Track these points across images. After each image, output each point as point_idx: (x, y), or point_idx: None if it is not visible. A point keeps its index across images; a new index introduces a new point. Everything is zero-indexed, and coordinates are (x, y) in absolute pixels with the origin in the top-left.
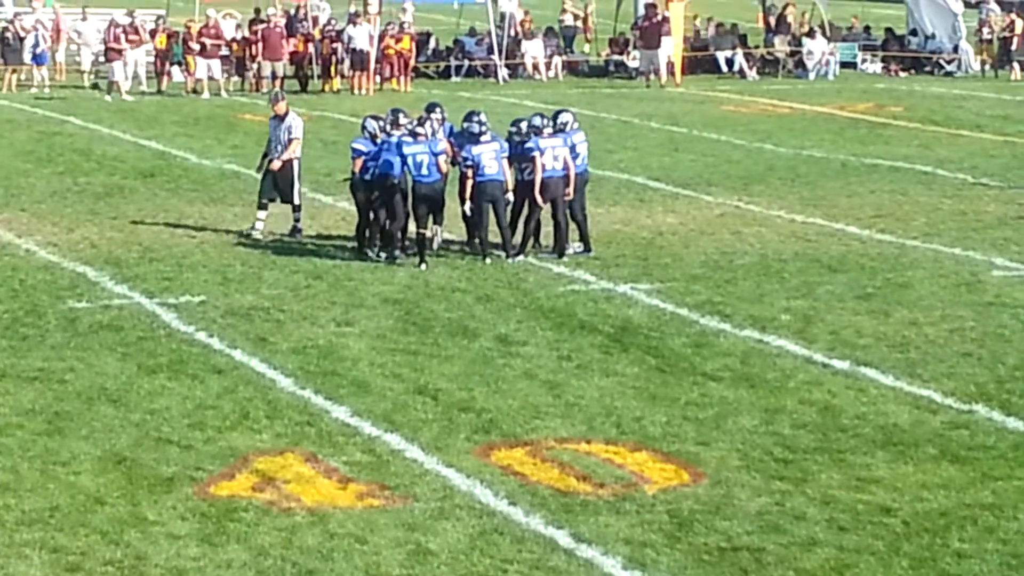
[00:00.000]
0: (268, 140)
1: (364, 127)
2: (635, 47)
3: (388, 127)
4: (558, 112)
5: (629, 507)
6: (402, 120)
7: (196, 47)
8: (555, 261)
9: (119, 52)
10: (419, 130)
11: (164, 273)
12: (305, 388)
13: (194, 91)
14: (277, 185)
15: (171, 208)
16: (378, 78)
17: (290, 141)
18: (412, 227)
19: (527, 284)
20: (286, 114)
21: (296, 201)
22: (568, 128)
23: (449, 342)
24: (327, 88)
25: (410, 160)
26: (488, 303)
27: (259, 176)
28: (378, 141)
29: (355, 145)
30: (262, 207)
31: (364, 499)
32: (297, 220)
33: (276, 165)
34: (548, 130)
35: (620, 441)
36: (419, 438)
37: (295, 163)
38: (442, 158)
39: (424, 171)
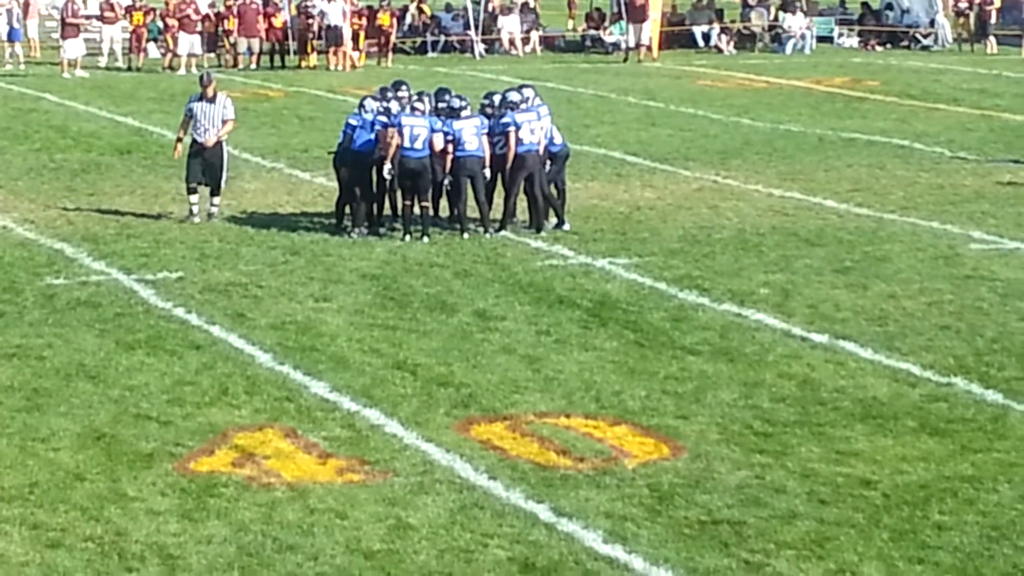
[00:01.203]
0: (186, 122)
1: (362, 105)
2: (623, 20)
3: (390, 98)
4: (520, 87)
5: (609, 481)
6: (401, 93)
7: (175, 24)
8: (533, 236)
9: (76, 28)
10: (418, 105)
11: (141, 249)
12: (284, 364)
13: (170, 67)
14: (206, 170)
15: (148, 184)
16: (356, 54)
17: (225, 122)
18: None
19: (505, 259)
20: (215, 95)
21: (223, 186)
22: (530, 103)
23: (428, 317)
24: (303, 64)
25: (407, 131)
26: (466, 278)
27: (177, 159)
28: (369, 119)
29: (349, 120)
30: (192, 191)
31: (344, 474)
32: (216, 206)
33: (211, 141)
34: (524, 104)
35: (600, 415)
36: (398, 413)
37: (225, 147)
38: (437, 136)
39: (417, 144)
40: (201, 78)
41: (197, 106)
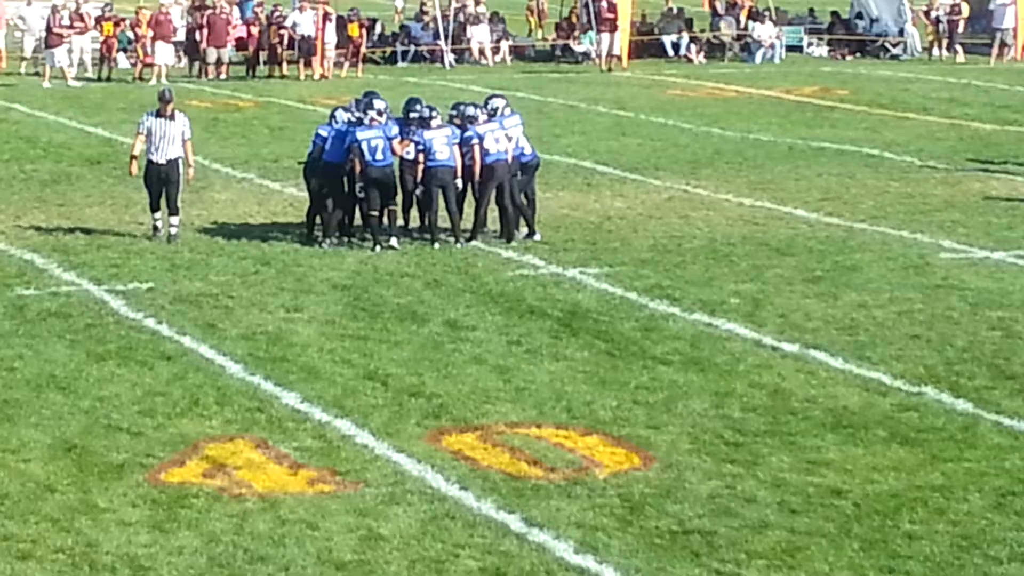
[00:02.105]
0: (142, 140)
1: (333, 115)
2: (593, 31)
3: (364, 109)
4: (489, 98)
5: (580, 491)
6: (378, 104)
7: (146, 34)
8: (504, 246)
9: (61, 37)
10: (370, 113)
11: (112, 260)
12: (255, 374)
13: (140, 77)
14: (162, 189)
15: (118, 195)
16: (327, 64)
17: (185, 143)
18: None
19: (476, 269)
20: (173, 113)
21: (179, 206)
22: (499, 113)
23: (398, 327)
24: (273, 74)
25: (364, 145)
26: (437, 288)
27: (134, 176)
28: (332, 130)
29: (320, 131)
30: (156, 208)
31: (315, 485)
32: (175, 226)
33: (191, 174)
34: (483, 117)
35: (571, 425)
36: (369, 423)
37: (181, 166)
38: (395, 142)
39: (378, 155)
40: (164, 94)
41: (155, 123)
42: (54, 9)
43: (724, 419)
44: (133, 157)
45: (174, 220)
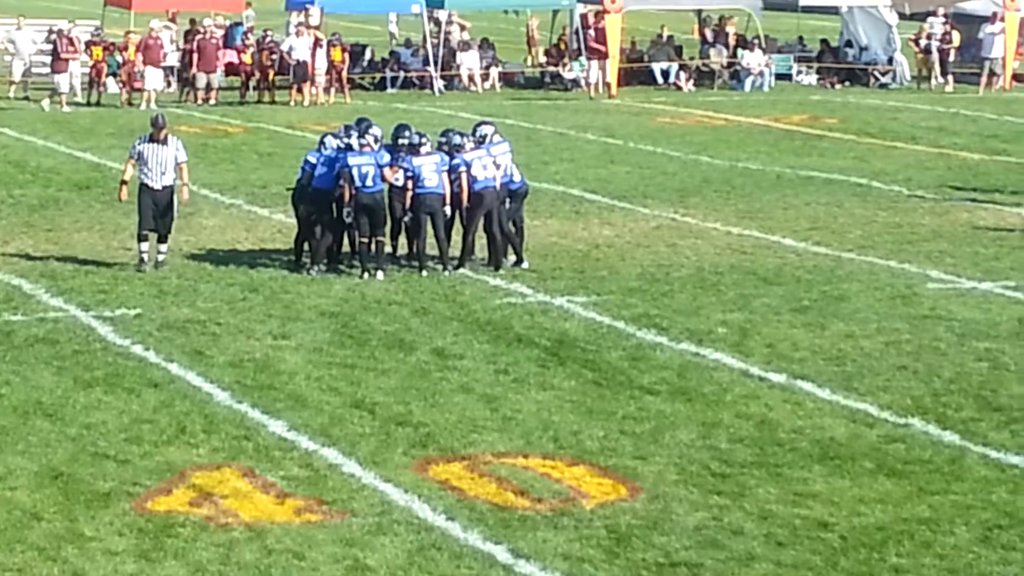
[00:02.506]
0: (132, 164)
1: (322, 142)
2: (583, 57)
3: (353, 135)
4: (478, 125)
5: (567, 522)
6: (375, 131)
7: (139, 58)
8: (491, 274)
9: (66, 62)
10: (362, 141)
11: (99, 286)
12: (242, 402)
13: (129, 103)
14: (157, 216)
15: (106, 220)
16: (315, 90)
17: (179, 166)
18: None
19: (463, 297)
20: (166, 138)
21: (171, 233)
22: (488, 140)
23: (386, 355)
24: (263, 100)
25: (355, 171)
26: (425, 316)
27: (123, 201)
28: (323, 157)
29: (308, 157)
30: (143, 239)
31: (302, 514)
32: (163, 253)
33: (186, 195)
34: (471, 145)
35: (557, 455)
36: (356, 452)
37: (175, 192)
38: (386, 169)
39: (369, 182)
40: (157, 120)
41: (148, 148)
42: (60, 33)
43: (711, 450)
44: (123, 182)
45: (163, 247)
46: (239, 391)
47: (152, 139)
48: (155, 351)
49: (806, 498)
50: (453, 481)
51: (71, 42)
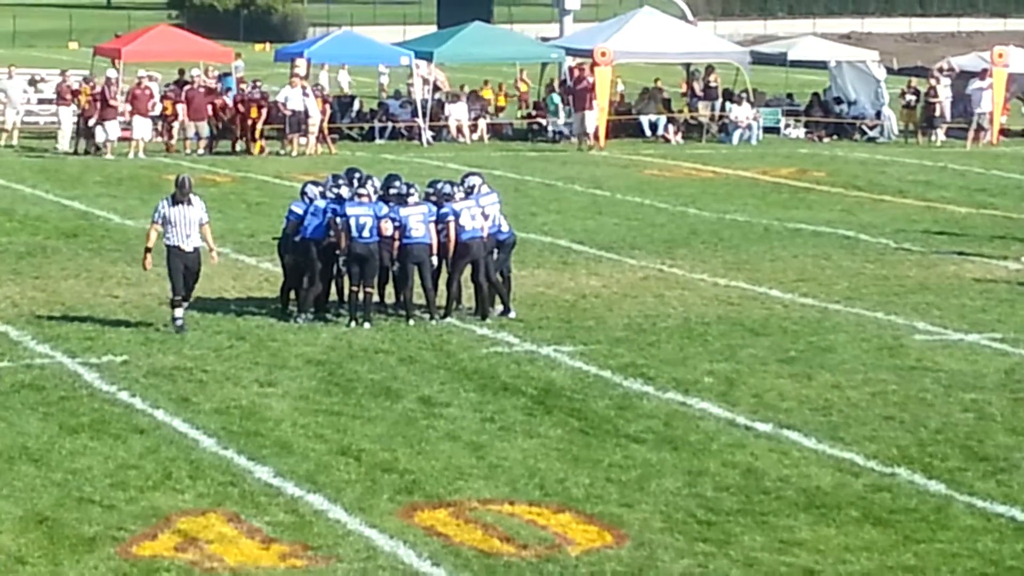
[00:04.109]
0: (158, 230)
1: (304, 192)
2: (569, 107)
3: (342, 185)
4: (466, 176)
5: (552, 569)
6: (374, 182)
7: (128, 107)
8: (478, 323)
9: (115, 110)
10: (361, 191)
11: (86, 333)
12: (228, 448)
13: (86, 151)
14: (189, 278)
15: (94, 268)
16: (305, 140)
17: (202, 226)
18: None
19: (450, 346)
20: (191, 199)
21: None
22: (476, 191)
23: (372, 403)
24: (252, 150)
25: (353, 221)
26: (411, 364)
27: (147, 270)
28: (312, 208)
29: (293, 207)
30: (177, 304)
31: (287, 560)
32: (182, 317)
33: (216, 258)
34: (460, 195)
35: (543, 503)
36: (342, 499)
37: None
38: (383, 222)
39: (365, 233)
40: (183, 182)
41: (174, 211)
42: (108, 82)
43: (697, 498)
44: (148, 250)
45: (179, 312)
46: (225, 437)
47: (176, 201)
48: (141, 397)
49: (792, 546)
50: (439, 527)
51: (69, 89)
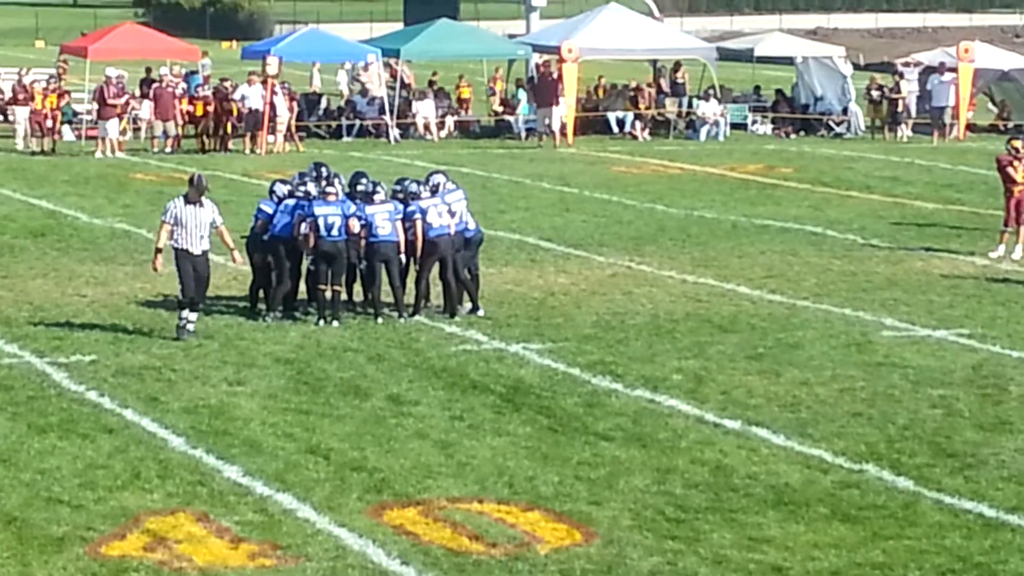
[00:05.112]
0: (167, 229)
1: (272, 190)
2: (528, 103)
3: (308, 181)
4: (430, 174)
5: (521, 567)
6: (341, 180)
7: (95, 106)
8: (447, 321)
9: (114, 108)
10: (330, 190)
11: (54, 332)
12: (196, 448)
13: (43, 151)
14: (200, 283)
15: (61, 267)
16: (272, 138)
17: (218, 229)
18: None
19: (419, 344)
20: (203, 200)
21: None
22: (441, 189)
23: (341, 402)
24: (218, 148)
25: (321, 220)
26: (380, 363)
27: (162, 271)
28: (282, 206)
29: (261, 206)
30: (185, 306)
31: (256, 559)
32: (193, 321)
33: (238, 258)
34: (426, 193)
35: (512, 501)
36: (311, 498)
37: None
38: (351, 220)
39: (334, 231)
40: (199, 181)
41: (187, 211)
42: (107, 81)
43: (666, 495)
44: (158, 250)
45: (193, 316)
46: (194, 437)
47: (189, 201)
48: (110, 397)
49: (760, 543)
50: (408, 526)
51: (24, 88)
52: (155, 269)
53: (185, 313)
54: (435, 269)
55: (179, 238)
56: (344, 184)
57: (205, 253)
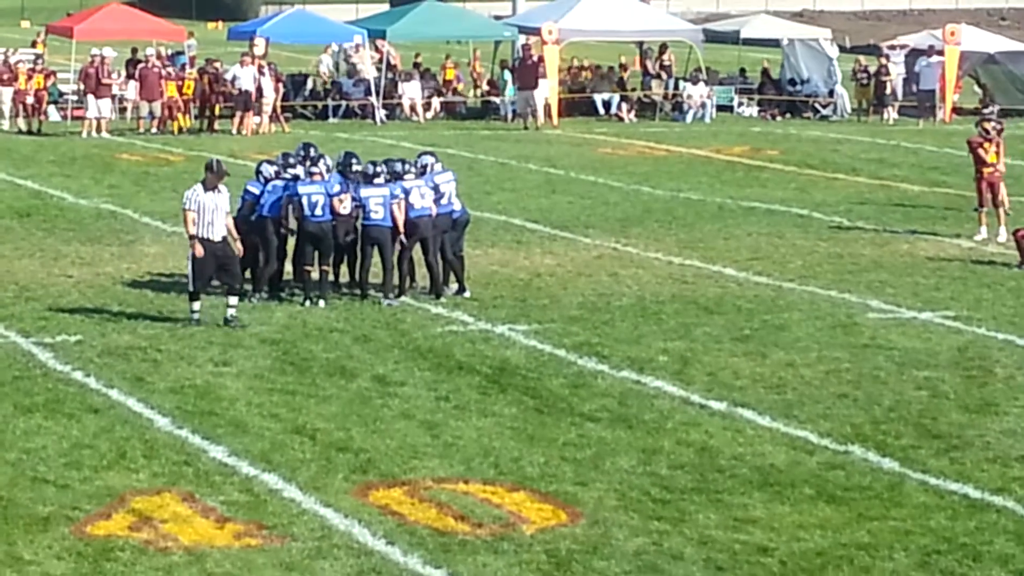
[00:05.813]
0: (193, 215)
1: (259, 171)
2: (512, 85)
3: (296, 163)
4: (420, 155)
5: (507, 547)
6: (326, 160)
7: (80, 87)
8: (433, 302)
9: (108, 88)
10: (315, 170)
11: (40, 312)
12: (182, 428)
13: (29, 131)
14: (219, 270)
15: (47, 248)
16: (259, 119)
17: (227, 213)
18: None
19: (405, 324)
20: (220, 186)
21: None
22: (429, 170)
23: (327, 382)
24: (205, 128)
25: (305, 200)
26: (366, 343)
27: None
28: (270, 186)
29: (248, 187)
30: (196, 297)
31: (241, 538)
32: (234, 307)
33: (240, 249)
34: (410, 174)
35: (498, 481)
36: (297, 478)
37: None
38: (336, 199)
39: (318, 211)
40: (219, 166)
41: (207, 198)
42: (102, 60)
43: (651, 476)
44: (193, 236)
45: (234, 301)
46: (180, 417)
47: (209, 187)
48: (96, 377)
49: (746, 524)
50: (393, 506)
51: (9, 68)
52: (198, 255)
53: (197, 305)
54: (420, 252)
55: (200, 225)
56: (330, 164)
57: (224, 239)
